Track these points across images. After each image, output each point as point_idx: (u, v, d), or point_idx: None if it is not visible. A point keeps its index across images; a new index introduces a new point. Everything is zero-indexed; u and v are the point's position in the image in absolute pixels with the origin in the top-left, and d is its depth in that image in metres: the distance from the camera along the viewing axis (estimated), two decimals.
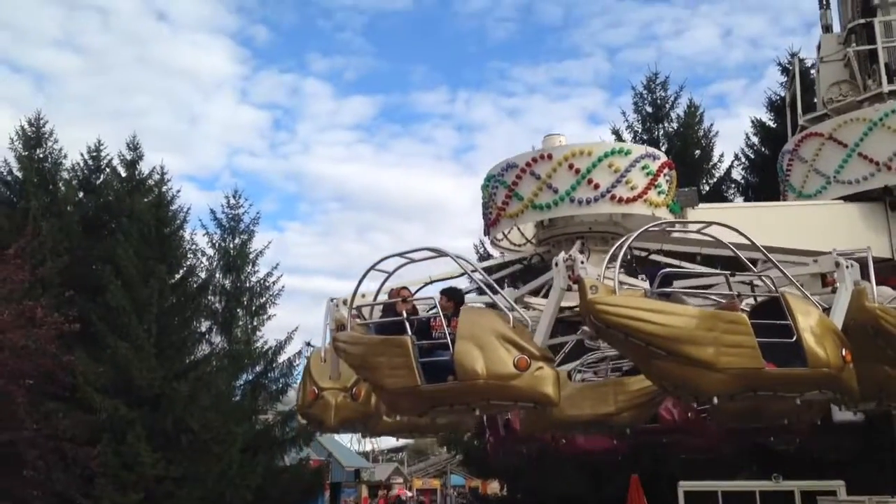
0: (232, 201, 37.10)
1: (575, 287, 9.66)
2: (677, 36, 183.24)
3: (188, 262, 34.88)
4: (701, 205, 14.81)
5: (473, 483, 62.20)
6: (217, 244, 36.38)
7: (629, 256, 13.46)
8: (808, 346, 9.17)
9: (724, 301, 10.22)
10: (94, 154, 35.44)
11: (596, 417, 13.71)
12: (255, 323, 35.60)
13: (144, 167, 35.36)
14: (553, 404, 9.86)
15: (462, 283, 13.70)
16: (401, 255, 10.81)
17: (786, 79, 22.70)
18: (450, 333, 9.66)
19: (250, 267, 36.25)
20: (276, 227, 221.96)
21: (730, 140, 78.41)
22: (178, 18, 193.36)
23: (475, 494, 55.29)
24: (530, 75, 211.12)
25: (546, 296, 11.92)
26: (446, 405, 9.91)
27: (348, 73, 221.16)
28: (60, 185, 33.98)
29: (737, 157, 33.84)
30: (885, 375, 10.87)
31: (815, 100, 18.56)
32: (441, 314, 10.01)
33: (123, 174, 35.11)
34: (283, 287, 36.64)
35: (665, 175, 13.34)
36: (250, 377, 34.91)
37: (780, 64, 32.65)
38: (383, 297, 11.12)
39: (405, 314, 10.09)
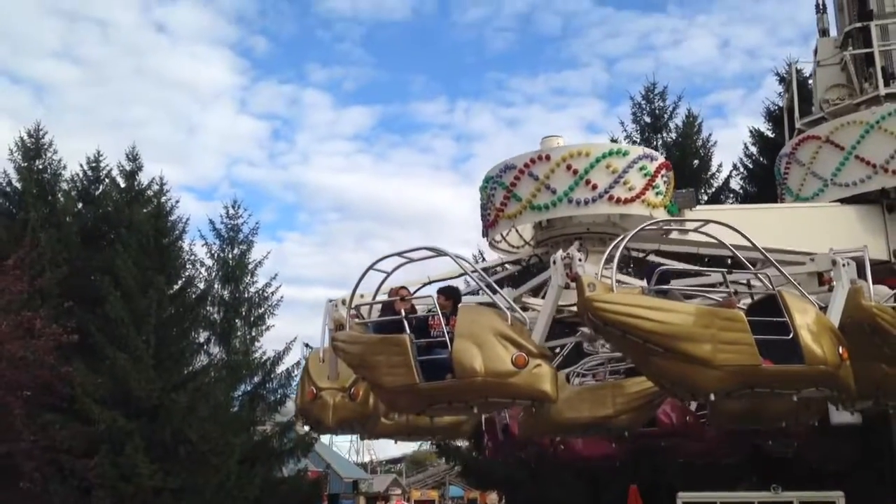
0: (231, 211, 36.92)
1: (573, 285, 9.70)
2: (675, 46, 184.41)
3: (187, 273, 34.72)
4: (699, 206, 14.84)
5: (472, 494, 61.90)
6: (216, 255, 36.21)
7: (630, 261, 13.52)
8: (805, 343, 9.20)
9: (721, 299, 10.25)
10: (94, 165, 35.38)
11: (594, 420, 13.72)
12: (253, 333, 35.41)
13: (143, 178, 35.26)
14: (551, 401, 9.88)
15: (461, 284, 13.71)
16: (399, 254, 10.85)
17: (783, 89, 22.75)
18: (448, 332, 9.68)
19: (249, 277, 36.06)
20: (275, 237, 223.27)
21: (728, 150, 78.94)
22: (178, 30, 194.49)
23: None
24: (529, 85, 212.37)
25: (544, 296, 11.92)
26: (445, 403, 9.95)
27: (347, 84, 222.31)
28: (59, 195, 33.94)
29: (735, 167, 33.94)
30: (882, 373, 10.91)
31: (813, 103, 18.61)
32: (439, 313, 10.04)
33: (122, 185, 35.00)
34: (281, 297, 36.46)
35: (663, 176, 13.39)
36: (248, 388, 34.69)
37: (777, 74, 32.78)
38: (382, 297, 11.14)
39: (403, 313, 10.13)
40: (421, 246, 10.80)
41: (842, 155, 15.92)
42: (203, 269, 35.84)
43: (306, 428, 35.61)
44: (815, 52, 18.71)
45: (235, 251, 36.35)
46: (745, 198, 32.74)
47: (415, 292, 11.95)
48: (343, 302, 11.49)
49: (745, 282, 11.54)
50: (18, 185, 33.27)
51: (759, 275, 10.31)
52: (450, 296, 10.69)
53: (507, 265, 14.95)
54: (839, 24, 18.60)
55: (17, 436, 25.21)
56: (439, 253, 10.65)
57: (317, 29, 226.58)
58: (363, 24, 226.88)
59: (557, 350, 16.00)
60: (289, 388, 34.13)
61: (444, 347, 9.60)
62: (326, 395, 12.03)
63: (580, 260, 9.93)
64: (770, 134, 32.14)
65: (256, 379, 34.94)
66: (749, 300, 10.67)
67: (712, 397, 9.30)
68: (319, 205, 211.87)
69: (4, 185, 33.54)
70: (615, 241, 9.87)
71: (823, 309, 10.14)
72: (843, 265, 10.93)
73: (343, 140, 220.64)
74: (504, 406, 11.72)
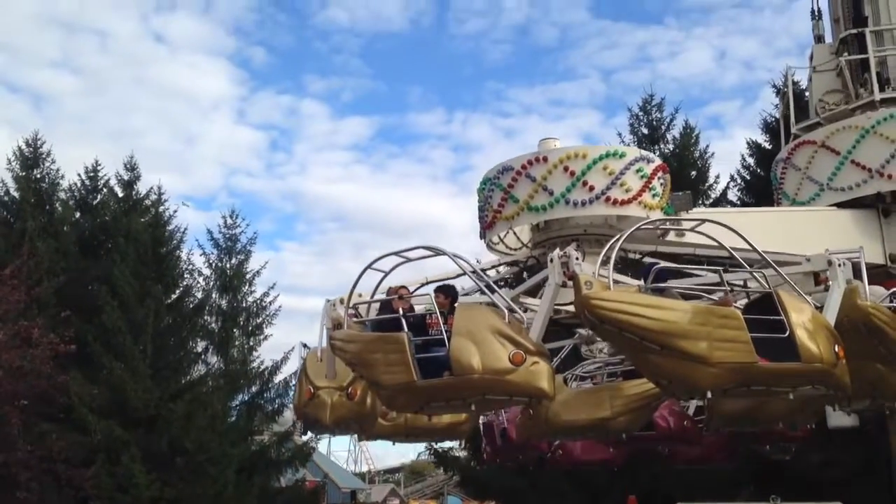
0: (229, 221, 36.98)
1: (570, 284, 9.73)
2: (672, 58, 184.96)
3: (184, 283, 34.85)
4: (695, 209, 14.89)
5: None
6: (214, 264, 36.26)
7: (628, 263, 13.55)
8: (801, 341, 9.22)
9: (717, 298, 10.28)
10: (92, 174, 35.56)
11: (592, 422, 13.70)
12: (251, 343, 35.41)
13: (142, 187, 35.48)
14: (548, 398, 9.91)
15: (459, 285, 13.75)
16: (397, 253, 10.90)
17: (780, 101, 22.91)
18: (446, 331, 9.71)
19: (247, 287, 36.08)
20: (273, 246, 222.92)
21: (725, 161, 79.06)
22: (176, 40, 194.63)
23: None
24: (526, 96, 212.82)
25: (542, 296, 11.95)
26: (442, 400, 9.98)
27: (345, 95, 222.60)
28: (57, 205, 34.08)
29: (732, 179, 34.12)
30: (878, 373, 10.94)
31: (808, 111, 18.70)
32: (437, 311, 10.08)
33: (120, 194, 35.17)
34: (279, 307, 36.39)
35: (659, 178, 13.45)
36: (246, 398, 34.74)
37: (774, 86, 32.99)
38: (380, 296, 11.17)
39: (401, 311, 10.17)
40: (419, 245, 10.84)
41: (837, 159, 15.98)
42: (201, 279, 36.00)
43: (304, 438, 35.75)
44: (811, 58, 18.82)
45: (233, 261, 36.42)
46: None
47: (413, 292, 11.98)
48: (341, 301, 11.53)
49: (741, 283, 11.56)
50: (16, 195, 33.40)
51: (756, 274, 10.33)
52: (448, 294, 10.76)
53: (504, 266, 14.97)
54: (834, 30, 18.71)
55: (13, 445, 25.18)
56: (437, 252, 10.70)
57: (315, 40, 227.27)
58: (361, 36, 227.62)
59: (555, 351, 15.99)
60: (287, 398, 34.07)
61: (442, 346, 9.63)
62: (324, 394, 12.03)
63: (577, 259, 9.96)
64: (767, 145, 32.32)
65: (254, 388, 34.97)
66: (746, 301, 10.71)
67: (709, 395, 9.33)
68: (317, 215, 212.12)
69: (2, 194, 33.71)
70: (612, 241, 9.90)
71: (820, 309, 10.18)
72: (839, 265, 10.98)
73: (341, 150, 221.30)
74: (502, 404, 11.73)
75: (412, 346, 9.71)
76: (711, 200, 33.48)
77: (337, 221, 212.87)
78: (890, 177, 15.43)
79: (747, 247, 10.42)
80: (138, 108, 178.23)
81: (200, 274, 35.95)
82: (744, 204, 32.99)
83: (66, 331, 27.32)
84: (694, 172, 33.74)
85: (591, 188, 13.02)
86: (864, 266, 11.22)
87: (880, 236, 15.49)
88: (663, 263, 10.79)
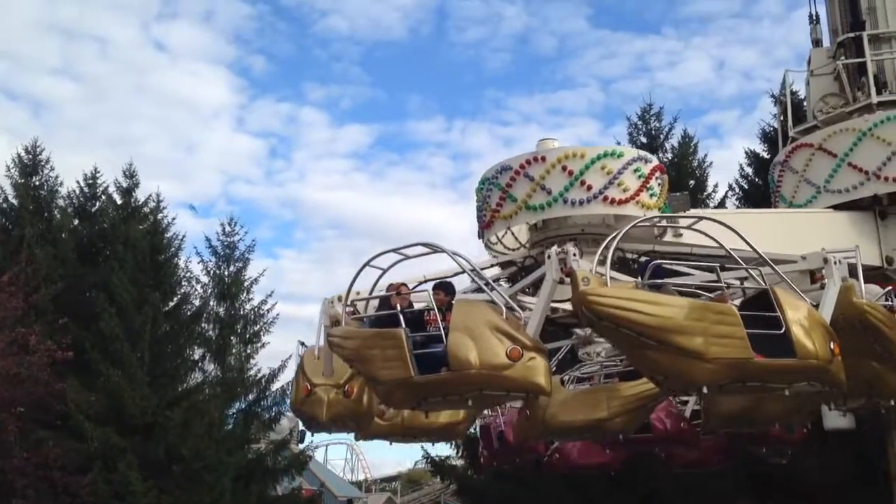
0: (227, 229, 36.87)
1: (567, 280, 9.76)
2: (671, 67, 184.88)
3: (182, 290, 34.96)
4: (692, 210, 14.95)
5: None
6: (212, 272, 36.17)
7: (626, 262, 13.57)
8: (797, 338, 9.23)
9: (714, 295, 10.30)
10: (91, 181, 35.64)
11: (588, 423, 13.68)
12: (248, 351, 35.30)
13: (140, 194, 35.57)
14: (545, 394, 9.91)
15: (457, 283, 13.78)
16: (395, 250, 10.90)
17: (778, 111, 22.99)
18: (444, 327, 9.73)
19: (245, 294, 35.98)
20: (272, 254, 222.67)
21: (723, 170, 79.36)
22: (177, 48, 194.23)
23: None
24: (525, 105, 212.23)
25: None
26: (439, 396, 9.95)
27: (344, 102, 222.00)
28: (56, 212, 34.16)
29: (731, 188, 34.24)
30: (874, 371, 10.94)
31: (805, 117, 18.77)
32: (435, 308, 10.10)
33: (119, 201, 35.24)
34: (277, 315, 36.38)
35: (657, 178, 13.50)
36: (243, 405, 34.68)
37: (772, 96, 33.04)
38: (378, 293, 11.18)
39: (399, 308, 10.19)
40: (417, 242, 10.82)
41: (834, 162, 16.02)
42: (199, 286, 35.97)
43: (301, 446, 35.74)
44: (809, 61, 18.91)
45: (231, 268, 36.34)
46: None
47: (412, 289, 11.98)
48: (339, 299, 11.54)
49: (738, 282, 11.59)
50: (15, 202, 33.52)
51: (752, 271, 10.36)
52: (447, 291, 10.78)
53: (501, 266, 14.98)
54: (832, 34, 18.80)
55: (10, 453, 25.20)
56: (435, 249, 10.70)
57: (314, 48, 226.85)
58: (361, 44, 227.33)
59: (552, 352, 15.99)
60: (284, 406, 34.08)
61: (440, 342, 9.63)
62: (320, 391, 12.01)
63: (574, 255, 10.00)
64: (765, 155, 32.39)
65: (251, 396, 34.93)
66: (742, 298, 10.72)
67: (705, 390, 9.33)
68: (316, 222, 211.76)
69: (1, 201, 33.74)
70: (609, 238, 9.94)
71: (816, 306, 10.20)
72: (835, 263, 11.01)
73: (340, 158, 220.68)
74: (499, 399, 11.72)
75: (409, 342, 9.71)
76: (710, 209, 33.56)
77: (336, 229, 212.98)
78: (887, 179, 15.49)
79: (744, 246, 10.44)
80: (138, 116, 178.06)
81: (198, 281, 36.01)
82: None
83: (64, 338, 27.38)
84: (692, 181, 33.78)
85: (589, 187, 13.06)
86: (859, 265, 11.25)
87: (877, 238, 15.53)
88: (659, 261, 10.79)
